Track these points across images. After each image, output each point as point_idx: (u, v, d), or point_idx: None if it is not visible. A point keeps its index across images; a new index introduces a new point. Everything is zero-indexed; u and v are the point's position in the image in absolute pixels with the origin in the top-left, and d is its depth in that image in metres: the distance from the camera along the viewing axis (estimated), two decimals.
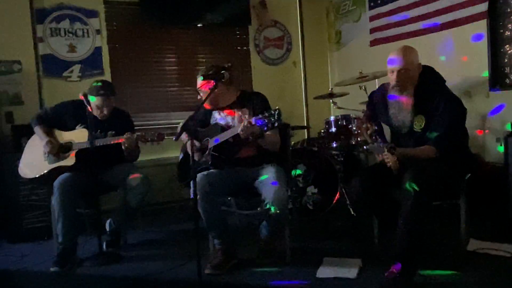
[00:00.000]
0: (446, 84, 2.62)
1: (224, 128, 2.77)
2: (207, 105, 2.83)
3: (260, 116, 2.41)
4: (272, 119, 2.37)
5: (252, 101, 2.84)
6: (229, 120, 2.84)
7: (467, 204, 2.66)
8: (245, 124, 2.48)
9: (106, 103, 3.06)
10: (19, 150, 3.28)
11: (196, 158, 2.81)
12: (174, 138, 2.39)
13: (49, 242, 3.28)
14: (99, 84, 3.08)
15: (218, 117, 2.89)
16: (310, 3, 5.23)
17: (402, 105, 2.58)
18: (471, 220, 2.74)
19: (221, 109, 2.88)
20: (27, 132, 3.28)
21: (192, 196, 2.42)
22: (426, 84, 2.57)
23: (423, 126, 2.53)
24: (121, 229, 3.20)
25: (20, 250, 3.25)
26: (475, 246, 2.74)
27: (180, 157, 3.05)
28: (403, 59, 2.51)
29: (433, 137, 2.47)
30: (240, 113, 2.82)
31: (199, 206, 2.59)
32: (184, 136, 2.85)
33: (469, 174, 2.67)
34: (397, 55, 2.54)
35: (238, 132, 2.53)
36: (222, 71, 2.70)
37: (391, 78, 2.57)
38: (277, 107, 2.40)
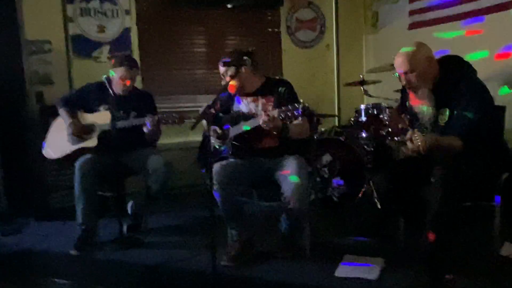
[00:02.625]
0: (476, 74, 2.42)
1: (246, 116, 2.67)
2: (231, 90, 2.74)
3: (283, 108, 2.32)
4: (296, 113, 2.28)
5: (278, 89, 2.72)
6: (252, 107, 2.74)
7: (503, 205, 2.47)
8: (266, 117, 2.39)
9: (129, 75, 3.04)
10: (47, 130, 3.32)
11: (217, 145, 2.75)
12: (191, 128, 2.32)
13: (75, 222, 3.32)
14: (123, 55, 3.16)
15: (241, 103, 2.80)
16: None
17: (421, 101, 2.45)
18: (507, 223, 2.55)
19: (245, 95, 2.78)
20: (56, 113, 3.30)
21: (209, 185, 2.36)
22: (450, 75, 2.38)
23: (447, 119, 2.35)
24: (142, 214, 3.20)
25: (46, 229, 3.32)
26: (510, 251, 2.55)
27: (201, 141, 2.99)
28: (406, 62, 2.37)
29: (457, 128, 2.28)
30: (264, 100, 2.72)
31: (216, 196, 2.54)
32: (205, 122, 2.78)
33: (507, 173, 2.47)
34: (400, 58, 2.39)
35: (260, 124, 2.44)
36: (244, 57, 2.60)
37: (401, 81, 2.45)
38: (302, 101, 2.31)
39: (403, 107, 2.69)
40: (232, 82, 2.65)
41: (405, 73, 2.39)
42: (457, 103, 2.32)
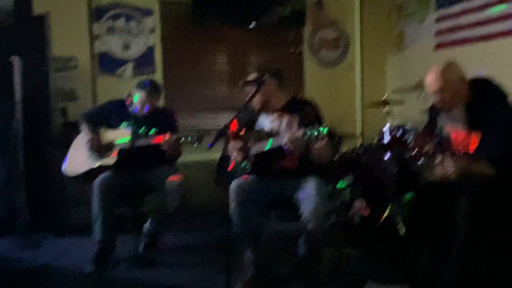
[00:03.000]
0: (507, 98, 2.31)
1: (269, 134, 2.63)
2: (256, 106, 2.71)
3: (306, 130, 2.29)
4: (319, 136, 2.24)
5: (303, 109, 2.66)
6: (276, 124, 2.69)
7: None
8: (291, 137, 2.36)
9: (148, 99, 3.04)
10: (70, 146, 3.35)
11: (237, 160, 2.68)
12: (208, 145, 2.28)
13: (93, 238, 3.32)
14: (146, 80, 3.10)
15: (265, 120, 2.75)
16: (371, 1, 4.94)
17: (453, 123, 2.35)
18: None
19: (269, 112, 2.74)
20: (78, 129, 3.32)
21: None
22: (481, 99, 2.30)
23: (477, 143, 2.25)
24: (158, 232, 3.17)
25: (64, 245, 3.32)
26: None
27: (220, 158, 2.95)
28: (439, 80, 2.30)
29: (489, 154, 2.17)
30: (288, 118, 2.67)
31: (233, 215, 2.48)
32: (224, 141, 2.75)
33: None
34: (433, 76, 2.33)
35: (283, 145, 2.41)
36: (269, 75, 2.60)
37: (434, 100, 2.37)
38: (326, 125, 2.27)
39: (430, 128, 2.58)
40: (257, 98, 2.62)
41: (438, 91, 2.32)
42: (488, 128, 2.22)
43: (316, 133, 2.26)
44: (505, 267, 2.55)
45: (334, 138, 2.55)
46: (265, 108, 2.72)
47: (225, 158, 2.89)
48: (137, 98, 3.02)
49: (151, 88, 3.04)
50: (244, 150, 2.68)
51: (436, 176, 2.21)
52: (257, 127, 2.76)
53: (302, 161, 2.60)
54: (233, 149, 2.66)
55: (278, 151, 2.55)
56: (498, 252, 2.42)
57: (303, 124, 2.47)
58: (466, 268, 2.15)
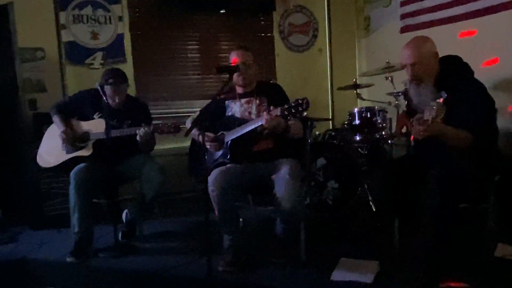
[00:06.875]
0: (474, 76, 2.42)
1: (241, 120, 2.68)
2: (237, 82, 2.74)
3: (285, 106, 2.33)
4: (300, 108, 2.29)
5: (270, 92, 2.76)
6: (246, 108, 2.74)
7: (496, 206, 2.50)
8: (269, 116, 2.39)
9: (117, 91, 3.01)
10: (41, 137, 3.30)
11: (212, 151, 2.74)
12: (184, 134, 2.31)
13: (70, 230, 3.30)
14: (109, 72, 3.04)
15: (234, 106, 2.80)
16: None
17: (423, 96, 2.42)
18: (500, 224, 2.57)
19: (238, 97, 2.78)
20: (49, 120, 3.28)
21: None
22: (450, 74, 2.39)
23: (442, 116, 2.35)
24: (137, 220, 3.19)
25: (41, 237, 3.30)
26: (504, 252, 2.56)
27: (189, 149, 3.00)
28: (414, 54, 2.39)
29: (464, 123, 2.24)
30: (258, 101, 2.73)
31: (214, 203, 2.54)
32: (195, 131, 2.76)
33: (499, 175, 2.48)
34: (408, 49, 2.41)
35: (263, 124, 2.44)
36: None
37: (407, 73, 2.45)
38: (305, 97, 2.31)
39: (410, 108, 2.63)
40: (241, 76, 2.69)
41: (411, 65, 2.40)
42: (457, 103, 2.27)
43: (297, 106, 2.29)
44: (472, 238, 2.71)
45: (305, 120, 2.59)
46: (249, 85, 2.75)
47: (194, 146, 2.92)
48: (106, 92, 2.97)
49: (116, 80, 2.99)
50: (217, 137, 2.72)
51: (416, 134, 2.21)
52: (228, 113, 2.79)
53: (276, 144, 2.68)
54: (206, 142, 2.68)
55: (253, 135, 2.60)
56: (466, 224, 2.56)
57: (273, 105, 2.51)
58: (435, 241, 2.24)
